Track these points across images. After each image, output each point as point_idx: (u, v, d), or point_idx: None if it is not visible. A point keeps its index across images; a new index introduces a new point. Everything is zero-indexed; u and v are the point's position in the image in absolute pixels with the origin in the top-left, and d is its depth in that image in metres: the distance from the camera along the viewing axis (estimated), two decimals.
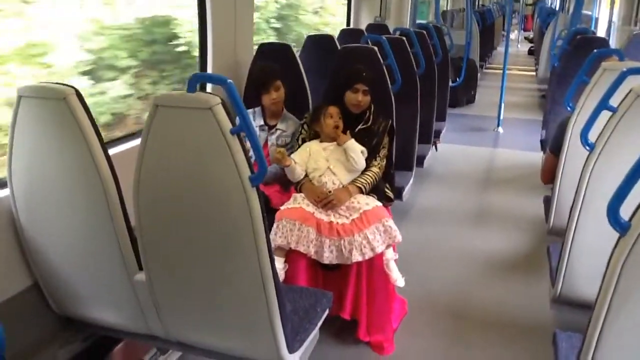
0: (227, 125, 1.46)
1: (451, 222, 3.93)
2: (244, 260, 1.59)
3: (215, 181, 1.53)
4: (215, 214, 1.57)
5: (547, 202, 2.80)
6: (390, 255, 2.43)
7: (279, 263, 2.32)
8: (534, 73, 10.29)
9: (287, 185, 2.73)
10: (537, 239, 3.58)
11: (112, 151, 1.93)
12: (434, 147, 4.68)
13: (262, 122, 2.85)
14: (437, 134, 4.77)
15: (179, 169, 1.57)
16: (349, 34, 4.47)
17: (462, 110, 7.60)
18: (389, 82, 3.05)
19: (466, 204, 4.31)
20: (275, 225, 2.33)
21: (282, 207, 2.41)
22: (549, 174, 2.71)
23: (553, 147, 2.70)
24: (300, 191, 2.49)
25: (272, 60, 2.94)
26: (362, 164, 2.47)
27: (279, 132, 2.83)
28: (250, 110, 2.87)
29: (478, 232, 3.77)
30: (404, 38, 3.82)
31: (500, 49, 12.28)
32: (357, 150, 2.45)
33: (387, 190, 2.66)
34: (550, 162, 2.72)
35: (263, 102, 2.81)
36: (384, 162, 2.61)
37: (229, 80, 1.48)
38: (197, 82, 1.50)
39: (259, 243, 1.55)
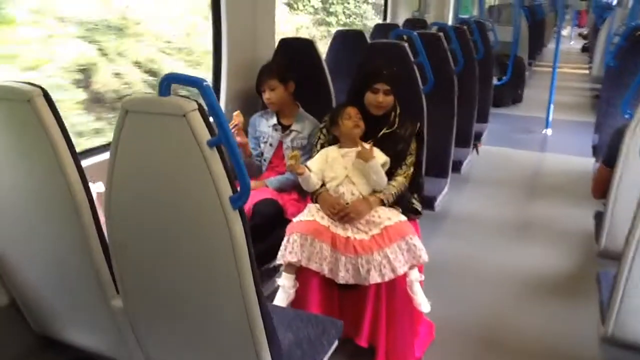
0: (204, 135, 1.25)
1: (489, 235, 3.59)
2: (225, 288, 1.38)
3: (190, 200, 1.32)
4: (192, 238, 1.36)
5: (599, 219, 2.46)
6: (415, 276, 2.17)
7: (289, 281, 2.12)
8: (587, 71, 9.72)
9: (305, 193, 2.50)
10: (586, 260, 3.20)
11: (86, 162, 1.75)
12: (474, 150, 4.34)
13: (275, 122, 2.64)
14: (478, 136, 4.42)
15: (151, 184, 1.37)
16: (383, 30, 4.20)
17: (507, 110, 7.20)
18: (419, 82, 2.77)
19: (507, 214, 3.94)
20: (285, 240, 2.11)
21: (294, 220, 2.18)
22: (601, 189, 2.38)
23: (607, 158, 2.37)
24: (316, 202, 2.26)
25: (293, 56, 2.72)
26: (383, 184, 2.23)
27: (294, 133, 2.62)
28: (262, 111, 2.69)
29: (519, 248, 3.42)
30: (441, 34, 3.51)
31: (551, 46, 11.71)
32: (380, 172, 2.20)
33: (413, 201, 2.39)
34: (603, 174, 2.39)
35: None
36: (411, 171, 2.34)
37: (205, 83, 1.26)
38: (170, 83, 1.28)
39: (242, 270, 1.32)
